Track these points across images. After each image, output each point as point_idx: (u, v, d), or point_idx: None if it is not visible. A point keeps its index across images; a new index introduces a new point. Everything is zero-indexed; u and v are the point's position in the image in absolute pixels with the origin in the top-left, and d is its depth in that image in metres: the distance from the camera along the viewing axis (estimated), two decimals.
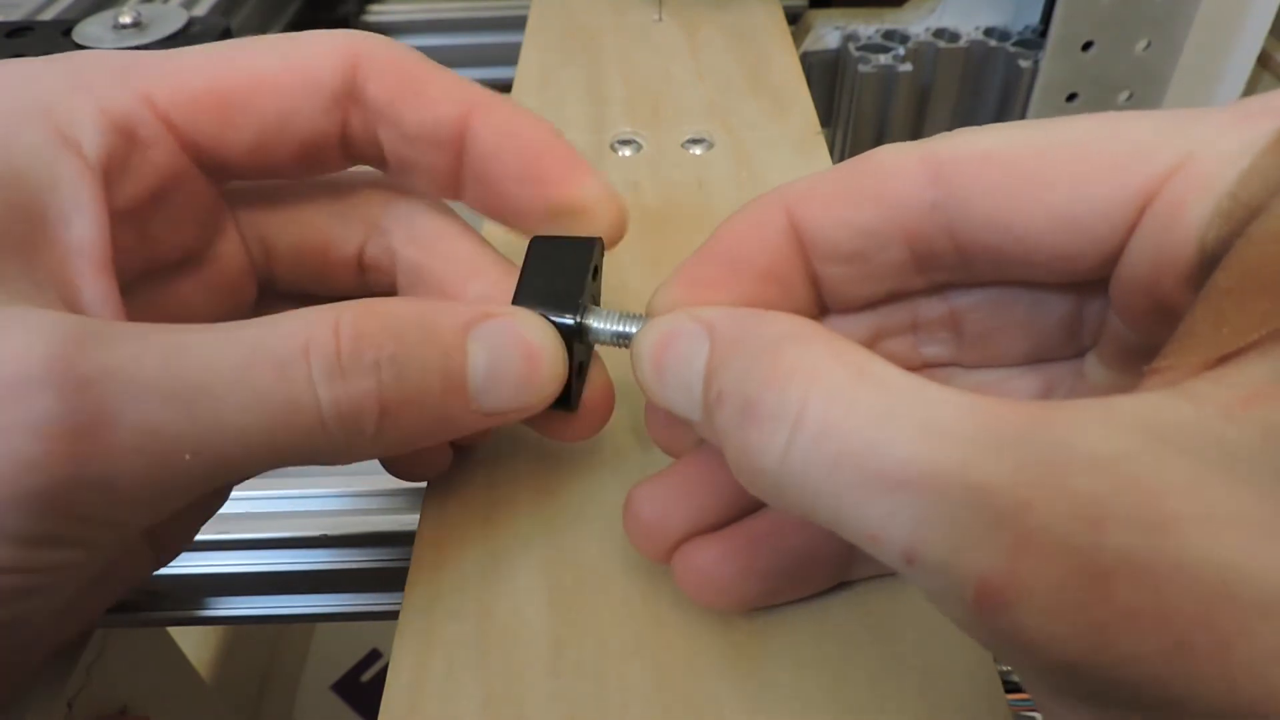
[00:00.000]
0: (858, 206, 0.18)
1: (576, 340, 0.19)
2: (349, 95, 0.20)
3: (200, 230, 0.21)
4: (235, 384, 0.15)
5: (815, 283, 0.19)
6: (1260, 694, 0.10)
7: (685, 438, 0.21)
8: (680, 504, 0.19)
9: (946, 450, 0.12)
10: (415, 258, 0.22)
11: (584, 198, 0.20)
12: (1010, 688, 0.19)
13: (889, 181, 0.17)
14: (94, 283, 0.17)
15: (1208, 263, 0.14)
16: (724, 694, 0.19)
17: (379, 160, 0.21)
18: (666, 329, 0.17)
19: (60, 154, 0.17)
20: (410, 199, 0.22)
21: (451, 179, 0.21)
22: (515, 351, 0.18)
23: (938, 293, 0.20)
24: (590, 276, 0.20)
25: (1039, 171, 0.16)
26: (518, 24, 0.49)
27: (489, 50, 0.59)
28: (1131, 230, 0.15)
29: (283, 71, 0.19)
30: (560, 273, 0.19)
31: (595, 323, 0.19)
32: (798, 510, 0.14)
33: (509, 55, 0.46)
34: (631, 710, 0.19)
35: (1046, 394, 0.20)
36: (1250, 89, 0.55)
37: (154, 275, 0.20)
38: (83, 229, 0.17)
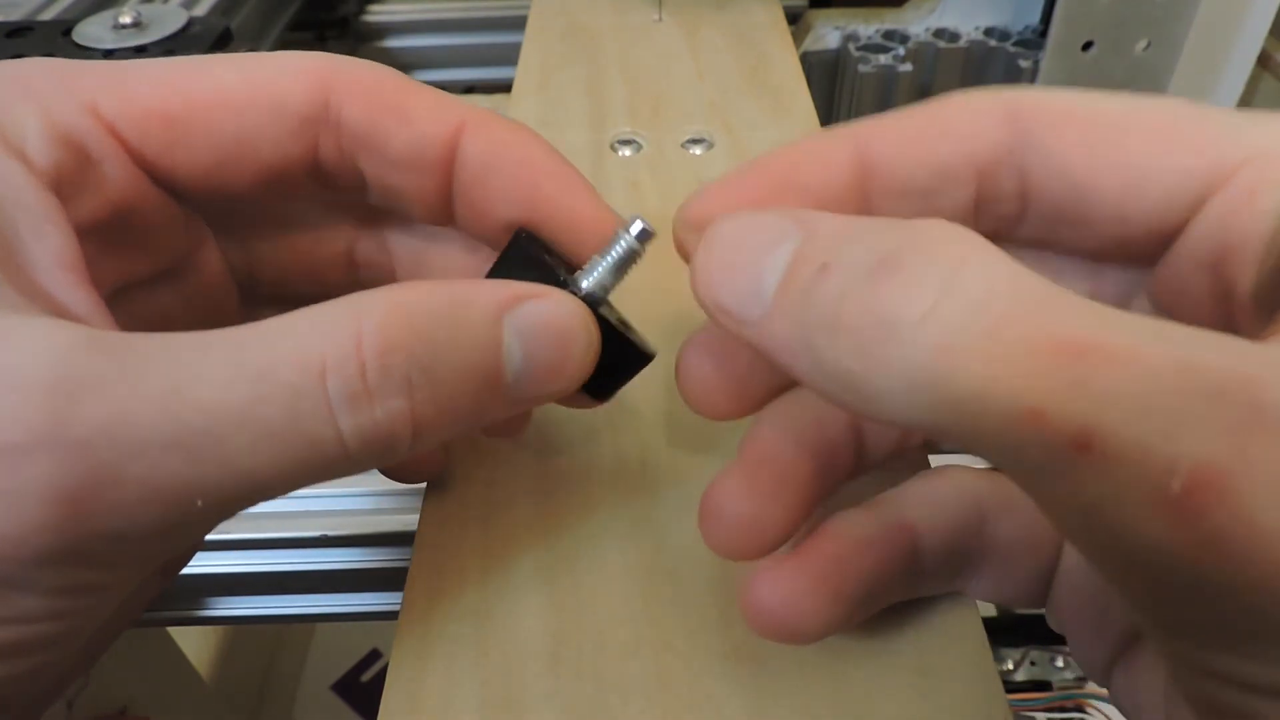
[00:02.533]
0: (934, 141, 0.17)
1: (595, 305, 0.18)
2: (320, 119, 0.18)
3: (174, 243, 0.20)
4: (242, 424, 0.14)
5: None
6: None
7: (726, 395, 0.19)
8: (776, 497, 0.17)
9: (1143, 324, 0.11)
10: (416, 246, 0.21)
11: (583, 221, 0.19)
12: (1010, 688, 0.19)
13: (967, 119, 0.17)
14: (76, 294, 0.16)
15: (1274, 253, 0.14)
16: (724, 694, 0.19)
17: (357, 187, 0.20)
18: (746, 217, 0.15)
19: (13, 166, 0.16)
20: None
21: (442, 203, 0.20)
22: (549, 336, 0.17)
23: None
24: (545, 255, 0.19)
25: (1119, 132, 0.16)
26: (518, 24, 0.49)
27: (489, 50, 0.59)
28: (1196, 208, 0.15)
29: (243, 90, 0.18)
30: (521, 276, 0.18)
31: (591, 278, 0.18)
32: (909, 394, 0.12)
33: (509, 55, 0.46)
34: (631, 710, 0.19)
35: None
36: (1250, 89, 0.55)
37: (129, 290, 0.19)
38: (56, 240, 0.16)
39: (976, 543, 0.19)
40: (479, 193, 0.19)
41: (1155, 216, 0.16)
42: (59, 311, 0.16)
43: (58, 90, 0.17)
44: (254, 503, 0.15)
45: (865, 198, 0.18)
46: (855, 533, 0.18)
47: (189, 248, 0.20)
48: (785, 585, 0.17)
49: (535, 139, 0.19)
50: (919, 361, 0.12)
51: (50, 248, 0.16)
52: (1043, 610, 0.20)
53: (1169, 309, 0.17)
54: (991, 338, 0.11)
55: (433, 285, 0.16)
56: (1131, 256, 0.17)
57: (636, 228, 0.18)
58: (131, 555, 0.15)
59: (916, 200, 0.18)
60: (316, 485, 0.30)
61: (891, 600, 0.19)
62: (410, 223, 0.21)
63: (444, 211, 0.20)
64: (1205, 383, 0.10)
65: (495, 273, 0.19)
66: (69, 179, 0.17)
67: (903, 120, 0.18)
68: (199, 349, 0.14)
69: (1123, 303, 0.19)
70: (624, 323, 0.20)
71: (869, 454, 0.19)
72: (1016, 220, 0.18)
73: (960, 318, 0.12)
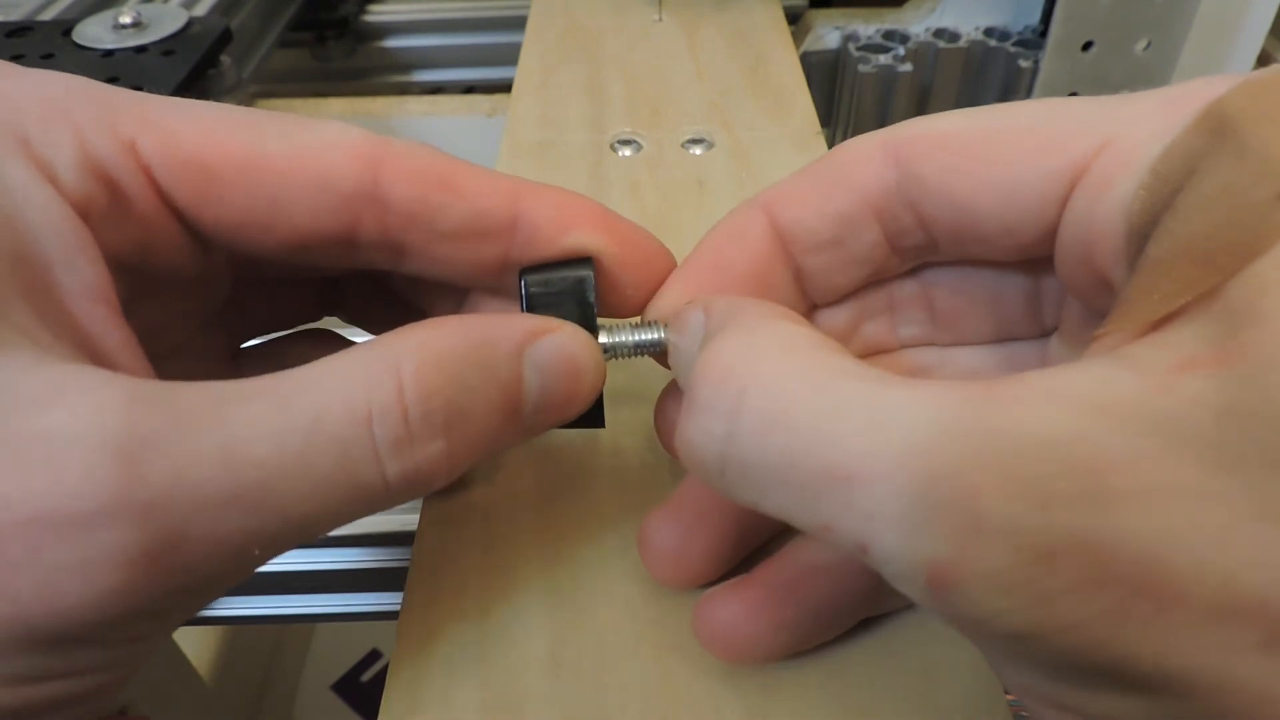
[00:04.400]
0: (829, 194, 0.19)
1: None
2: (368, 196, 0.18)
3: (189, 269, 0.20)
4: (297, 476, 0.15)
5: (799, 278, 0.20)
6: (1192, 650, 0.11)
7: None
8: (696, 532, 0.19)
9: (893, 441, 0.13)
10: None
11: (656, 269, 0.21)
12: None
13: (855, 167, 0.19)
14: (111, 330, 0.16)
15: (1134, 235, 0.15)
16: (724, 694, 0.19)
17: (394, 260, 0.20)
18: (681, 315, 0.18)
19: (48, 192, 0.16)
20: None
21: (498, 268, 0.20)
22: (563, 370, 0.18)
23: (912, 275, 0.21)
24: (592, 296, 0.19)
25: (982, 150, 0.17)
26: (518, 24, 0.49)
27: (489, 50, 0.59)
28: (1063, 205, 0.16)
29: (284, 157, 0.18)
30: (564, 299, 0.19)
31: (614, 338, 0.20)
32: (749, 505, 0.14)
33: (509, 55, 0.46)
34: (631, 710, 0.19)
35: (1011, 373, 0.20)
36: None
37: (130, 302, 0.19)
38: (88, 272, 0.16)
39: None
40: (547, 247, 0.19)
41: (1029, 221, 0.17)
42: (90, 345, 0.16)
43: (98, 122, 0.17)
44: (301, 544, 0.16)
45: (789, 257, 0.20)
46: (807, 559, 0.19)
47: (201, 273, 0.20)
48: (726, 611, 0.19)
49: (581, 197, 0.20)
50: (737, 491, 0.14)
51: (82, 279, 0.16)
52: None
53: (1080, 299, 0.18)
54: (778, 474, 0.14)
55: (459, 324, 0.17)
56: (1034, 255, 0.18)
57: (661, 334, 0.20)
58: (189, 605, 0.16)
59: (831, 250, 0.19)
60: None
61: (858, 618, 0.20)
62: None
63: (499, 274, 0.20)
64: (935, 496, 0.12)
65: (539, 275, 0.20)
66: (99, 212, 0.17)
67: (803, 180, 0.19)
68: (244, 401, 0.15)
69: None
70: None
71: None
72: (930, 246, 0.19)
73: (749, 455, 0.14)
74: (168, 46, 0.39)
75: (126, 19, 0.40)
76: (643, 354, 0.20)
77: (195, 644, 0.67)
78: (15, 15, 0.45)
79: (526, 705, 0.19)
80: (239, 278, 0.22)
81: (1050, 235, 0.17)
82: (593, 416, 0.20)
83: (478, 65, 0.59)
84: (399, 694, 0.19)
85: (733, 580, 0.19)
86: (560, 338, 0.18)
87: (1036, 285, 0.20)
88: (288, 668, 0.83)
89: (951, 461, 0.12)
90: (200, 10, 0.46)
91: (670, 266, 0.21)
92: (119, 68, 0.38)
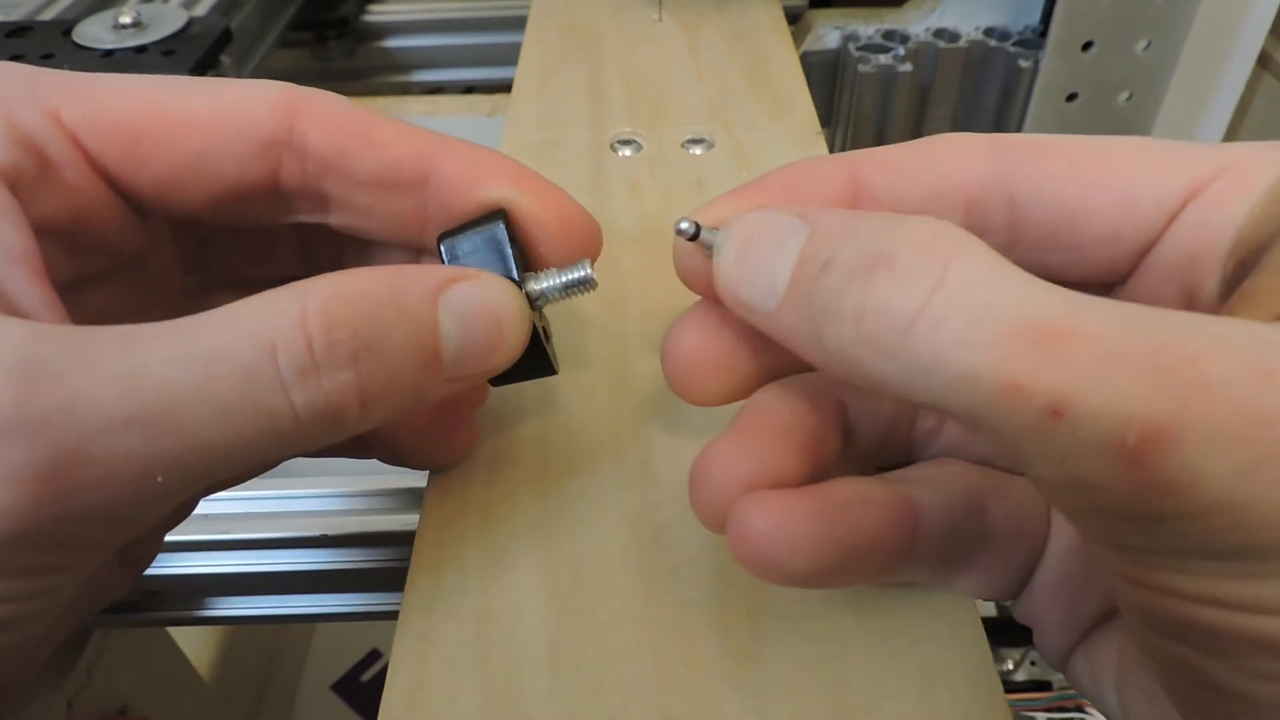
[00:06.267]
0: (927, 169, 0.19)
1: (531, 306, 0.20)
2: (284, 144, 0.19)
3: (130, 244, 0.20)
4: (198, 401, 0.15)
5: None
6: None
7: (709, 378, 0.20)
8: (751, 459, 0.18)
9: (1109, 307, 0.13)
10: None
11: (571, 222, 0.20)
12: (1010, 688, 0.19)
13: (956, 154, 0.19)
14: (30, 289, 0.16)
15: (1239, 248, 0.16)
16: (724, 694, 0.19)
17: (320, 210, 0.21)
18: (759, 217, 0.17)
19: None
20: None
21: (416, 222, 0.20)
22: (483, 317, 0.18)
23: None
24: (511, 247, 0.20)
25: (1099, 160, 0.18)
26: (518, 24, 0.49)
27: (489, 50, 0.59)
28: (1172, 219, 0.17)
29: (207, 111, 0.19)
30: (482, 252, 0.20)
31: (540, 284, 0.20)
32: (907, 375, 0.14)
33: (509, 55, 0.46)
34: (631, 710, 0.19)
35: None
36: (1250, 89, 0.55)
37: (80, 284, 0.20)
38: (12, 237, 0.16)
39: (972, 530, 0.19)
40: (461, 201, 0.20)
41: (1142, 232, 0.17)
42: (10, 306, 0.16)
43: (21, 94, 0.18)
44: (213, 479, 0.16)
45: None
46: (858, 489, 0.18)
47: (144, 248, 0.21)
48: (778, 512, 0.17)
49: (501, 155, 0.20)
50: (915, 349, 0.14)
51: (6, 244, 0.16)
52: (1016, 600, 0.21)
53: None
54: (977, 326, 0.13)
55: (373, 270, 0.17)
56: (1109, 277, 0.18)
57: (587, 270, 0.20)
58: (94, 535, 0.16)
59: None
60: (316, 485, 0.30)
61: (882, 576, 0.19)
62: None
63: (418, 230, 0.21)
64: (1159, 359, 0.12)
65: (456, 237, 0.20)
66: (28, 180, 0.17)
67: (896, 150, 0.19)
68: (152, 336, 0.15)
69: None
70: (547, 333, 0.21)
71: (857, 439, 0.20)
72: (1005, 250, 0.19)
73: (948, 309, 0.13)
74: (168, 46, 0.39)
75: (126, 19, 0.40)
76: (575, 294, 0.20)
77: (195, 644, 0.67)
78: (15, 15, 0.45)
79: (526, 705, 0.19)
80: (199, 268, 0.23)
81: (1143, 250, 0.17)
82: (536, 363, 0.20)
83: (478, 65, 0.60)
84: (399, 694, 0.19)
85: (782, 490, 0.18)
86: (476, 284, 0.18)
87: None
88: (288, 668, 0.83)
89: (1170, 331, 0.12)
90: (200, 10, 0.46)
91: (590, 224, 0.21)
92: (119, 68, 0.38)
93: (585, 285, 0.20)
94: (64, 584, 0.16)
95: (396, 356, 0.17)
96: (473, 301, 0.18)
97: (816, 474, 0.19)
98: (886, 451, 0.21)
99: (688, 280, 0.19)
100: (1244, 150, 0.17)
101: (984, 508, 0.19)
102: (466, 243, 0.20)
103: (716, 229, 0.18)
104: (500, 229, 0.20)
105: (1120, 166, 0.17)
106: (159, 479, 0.15)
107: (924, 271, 0.14)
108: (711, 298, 0.19)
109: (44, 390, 0.14)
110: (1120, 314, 0.13)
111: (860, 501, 0.18)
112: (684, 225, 0.18)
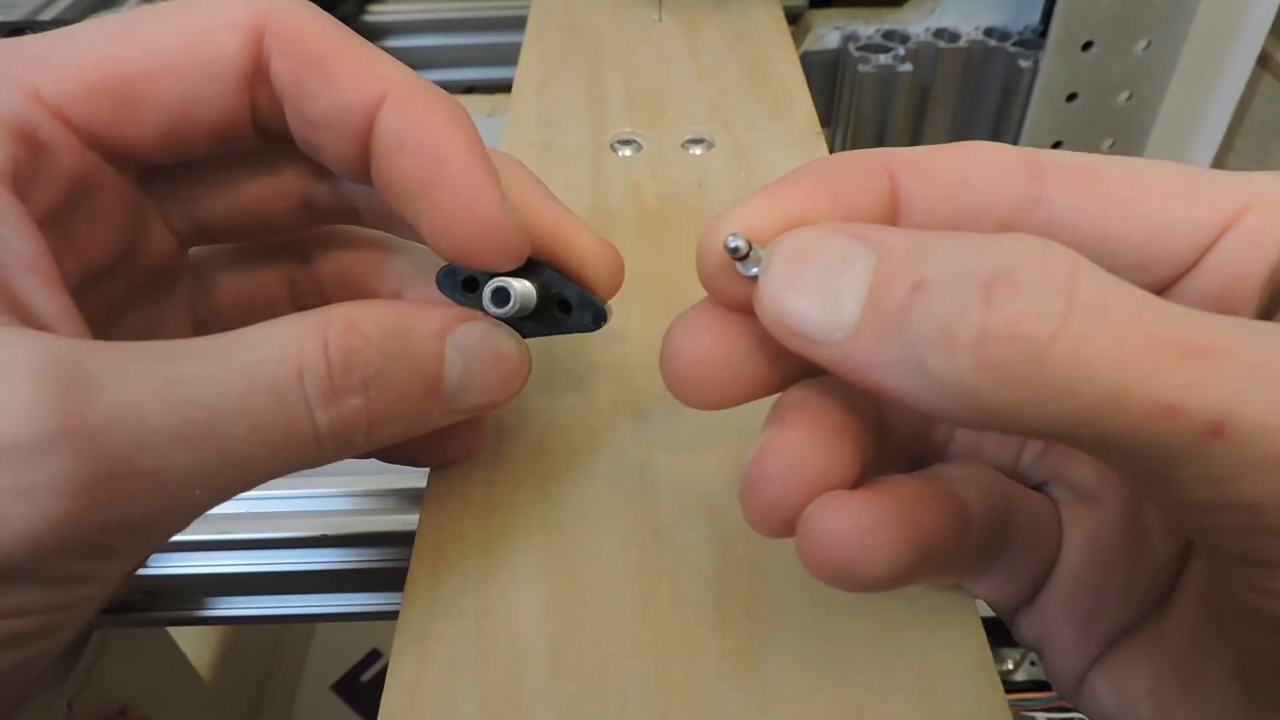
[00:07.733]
0: (964, 184, 0.18)
1: (524, 320, 0.21)
2: (258, 74, 0.19)
3: (127, 225, 0.20)
4: (237, 417, 0.15)
5: None
6: None
7: (712, 382, 0.18)
8: (819, 454, 0.16)
9: (1239, 324, 0.13)
10: (369, 192, 0.21)
11: (472, 222, 0.19)
12: (1010, 688, 0.19)
13: (994, 172, 0.18)
14: (49, 299, 0.16)
15: (1276, 277, 0.16)
16: (724, 694, 0.19)
17: (282, 127, 0.20)
18: (810, 237, 0.15)
19: None
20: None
21: (360, 167, 0.19)
22: (486, 356, 0.19)
23: None
24: (515, 302, 0.20)
25: (1133, 187, 0.17)
26: (518, 24, 0.49)
27: (489, 50, 0.59)
28: (1207, 249, 0.17)
29: (180, 52, 0.18)
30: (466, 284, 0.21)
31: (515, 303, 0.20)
32: (1038, 402, 0.13)
33: (509, 55, 0.46)
34: (631, 710, 0.19)
35: None
36: (1250, 89, 0.55)
37: (82, 285, 0.19)
38: (21, 244, 0.16)
39: (1002, 531, 0.19)
40: (388, 165, 0.19)
41: (1175, 262, 0.17)
42: (30, 316, 0.16)
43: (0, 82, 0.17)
44: (239, 492, 0.17)
45: (892, 223, 0.18)
46: (919, 488, 0.17)
47: (137, 228, 0.20)
48: (857, 514, 0.16)
49: (451, 119, 0.19)
50: (1055, 374, 0.12)
51: (15, 251, 0.16)
52: (1021, 618, 0.20)
53: None
54: (1121, 346, 0.12)
55: (387, 304, 0.18)
56: None
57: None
58: (131, 546, 0.16)
59: None
60: (316, 485, 0.30)
61: (936, 577, 0.19)
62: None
63: (363, 175, 0.20)
64: None
65: (443, 278, 0.21)
66: (24, 171, 0.17)
67: (933, 157, 0.18)
68: (184, 354, 0.16)
69: None
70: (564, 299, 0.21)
71: (891, 439, 0.19)
72: None
73: (1090, 327, 0.12)
74: None
75: None
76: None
77: (195, 644, 0.67)
78: (15, 15, 0.45)
79: (526, 706, 0.19)
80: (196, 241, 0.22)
81: (1170, 280, 0.17)
82: (594, 318, 0.21)
83: (478, 65, 0.59)
84: (399, 694, 0.19)
85: (857, 491, 0.17)
86: (482, 325, 0.19)
87: None
88: (288, 668, 0.83)
89: None
90: None
91: (493, 203, 0.19)
92: None
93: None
94: (97, 593, 0.16)
95: (403, 386, 0.18)
96: (477, 339, 0.19)
97: (864, 475, 0.18)
98: (912, 451, 0.20)
99: (716, 292, 0.18)
100: (1270, 182, 0.17)
101: (1009, 511, 0.19)
102: (445, 282, 0.21)
103: (762, 245, 0.16)
104: (510, 284, 0.20)
105: (1155, 197, 0.17)
106: (198, 492, 0.15)
107: (1052, 289, 0.13)
108: (736, 310, 0.18)
109: (93, 403, 0.14)
110: (1256, 330, 0.13)
111: (922, 498, 0.17)
112: (736, 244, 0.16)
